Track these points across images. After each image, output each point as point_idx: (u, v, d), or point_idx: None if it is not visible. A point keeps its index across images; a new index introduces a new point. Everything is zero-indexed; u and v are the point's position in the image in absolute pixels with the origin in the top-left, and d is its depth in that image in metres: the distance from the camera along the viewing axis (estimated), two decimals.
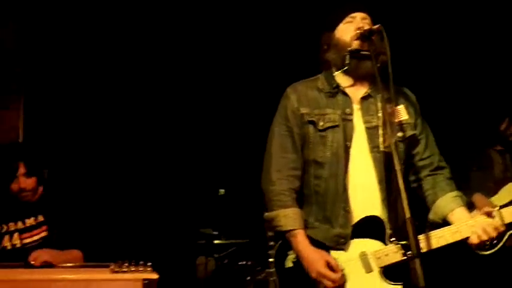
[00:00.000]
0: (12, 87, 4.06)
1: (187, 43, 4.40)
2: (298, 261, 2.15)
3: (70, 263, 2.57)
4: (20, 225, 2.74)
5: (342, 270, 2.10)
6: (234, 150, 4.63)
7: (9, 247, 2.72)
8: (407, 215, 1.86)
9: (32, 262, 2.44)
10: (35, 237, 2.73)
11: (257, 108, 4.48)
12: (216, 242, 4.53)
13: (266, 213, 2.23)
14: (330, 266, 2.09)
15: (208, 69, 4.45)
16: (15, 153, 2.73)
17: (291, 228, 2.15)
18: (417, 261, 1.82)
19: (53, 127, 4.16)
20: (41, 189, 2.82)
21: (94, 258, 2.72)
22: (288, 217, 2.15)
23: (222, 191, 4.72)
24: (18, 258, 2.58)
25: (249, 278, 3.87)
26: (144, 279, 2.31)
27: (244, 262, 4.14)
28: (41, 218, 2.76)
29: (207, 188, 4.65)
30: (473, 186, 3.47)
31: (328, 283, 2.07)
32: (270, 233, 3.58)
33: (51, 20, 4.12)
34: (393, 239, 2.10)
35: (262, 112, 4.35)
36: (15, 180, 2.68)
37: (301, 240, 2.13)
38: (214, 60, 4.43)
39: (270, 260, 3.55)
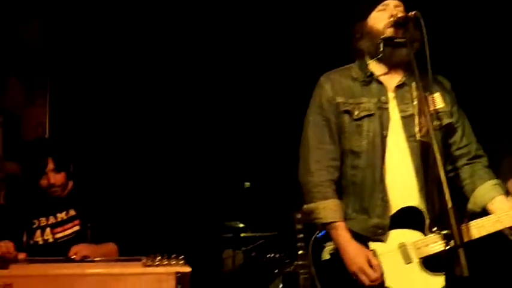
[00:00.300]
0: (37, 84, 4.09)
1: (210, 32, 4.37)
2: (335, 254, 2.11)
3: (107, 256, 2.57)
4: (51, 220, 2.75)
5: (381, 267, 2.07)
6: (259, 143, 4.61)
7: (41, 242, 2.72)
8: (450, 204, 1.82)
9: (73, 257, 2.43)
10: (67, 232, 2.74)
11: (281, 101, 4.46)
12: (243, 235, 4.53)
13: (305, 206, 2.19)
14: (370, 264, 2.05)
15: (235, 61, 4.43)
16: (44, 149, 2.73)
17: (331, 221, 2.12)
18: (461, 251, 1.79)
19: (78, 122, 4.18)
20: (70, 184, 2.82)
21: (125, 252, 2.73)
22: (328, 209, 2.12)
23: (247, 184, 4.71)
24: (51, 253, 2.60)
25: (277, 270, 3.85)
26: (177, 273, 2.31)
27: (272, 255, 4.13)
28: (72, 212, 2.76)
29: (233, 181, 4.64)
30: (503, 172, 3.41)
31: (366, 280, 2.04)
32: (299, 226, 3.58)
33: (75, 16, 4.14)
34: (435, 228, 2.05)
35: (285, 105, 4.37)
36: (44, 176, 2.68)
37: (342, 233, 2.10)
38: (240, 51, 4.41)
39: (299, 252, 3.55)
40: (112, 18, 4.20)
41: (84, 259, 2.45)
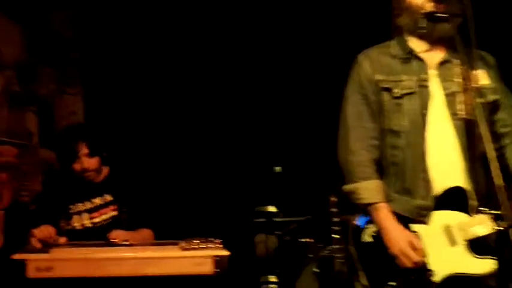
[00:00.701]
0: (70, 73, 4.11)
1: (237, 15, 4.32)
2: (377, 236, 2.07)
3: (144, 241, 2.58)
4: (88, 205, 2.76)
5: (424, 250, 2.01)
6: (289, 126, 4.56)
7: (78, 227, 2.74)
8: (499, 181, 1.75)
9: (113, 240, 2.44)
10: (104, 217, 2.75)
11: (312, 82, 4.40)
12: (276, 220, 4.50)
13: (345, 186, 2.15)
14: (413, 247, 2.00)
15: (266, 40, 4.35)
16: (77, 134, 2.73)
17: (373, 201, 2.07)
18: None
19: (111, 110, 4.18)
20: (106, 169, 2.82)
21: (160, 236, 2.73)
22: (369, 189, 2.07)
23: (278, 168, 4.67)
24: (88, 237, 2.62)
25: (311, 255, 3.82)
26: (215, 256, 2.31)
27: (306, 239, 4.10)
28: (108, 198, 2.77)
29: (264, 166, 4.61)
30: None
31: (408, 263, 1.99)
32: (334, 209, 3.53)
33: (107, 5, 4.12)
34: (482, 209, 1.99)
35: (317, 85, 4.31)
36: (78, 161, 2.68)
37: (384, 214, 2.05)
38: (271, 30, 4.32)
39: (335, 236, 3.51)
40: (144, 7, 4.17)
41: (123, 243, 2.45)
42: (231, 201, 4.44)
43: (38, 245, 2.39)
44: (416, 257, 1.99)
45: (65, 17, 4.11)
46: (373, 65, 2.14)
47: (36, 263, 2.24)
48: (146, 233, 2.70)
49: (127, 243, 2.45)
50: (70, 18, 4.13)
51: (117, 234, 2.50)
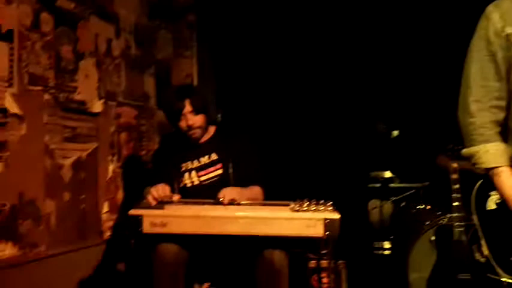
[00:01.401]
0: (186, 36, 4.16)
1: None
2: (503, 203, 1.89)
3: (253, 200, 2.58)
4: (195, 163, 2.80)
5: None
6: (407, 88, 4.34)
7: (188, 184, 2.80)
8: None
9: (221, 199, 2.46)
10: (211, 175, 2.78)
11: (432, 42, 4.13)
12: (391, 185, 4.34)
13: (464, 149, 1.97)
14: None
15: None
16: (182, 93, 2.76)
17: (494, 166, 1.90)
18: None
19: (226, 73, 4.20)
20: (212, 129, 2.85)
21: (270, 196, 2.71)
22: (490, 153, 1.90)
23: (395, 132, 4.49)
24: (197, 194, 2.66)
25: (428, 222, 3.64)
26: (326, 219, 2.25)
27: (423, 206, 3.92)
28: (214, 157, 2.79)
29: (381, 129, 4.44)
30: None
31: None
32: (454, 176, 3.32)
33: None
34: None
35: (437, 46, 4.03)
36: (183, 118, 2.72)
37: (506, 179, 1.87)
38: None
39: (454, 204, 3.31)
40: None
41: (231, 202, 2.46)
42: (345, 165, 4.34)
43: (154, 202, 2.46)
44: None
45: None
46: (504, 17, 1.92)
47: (151, 219, 2.32)
48: (256, 191, 2.69)
49: (235, 202, 2.44)
50: None
51: (225, 193, 2.50)
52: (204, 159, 2.81)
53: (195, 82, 4.10)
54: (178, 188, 2.77)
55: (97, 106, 3.18)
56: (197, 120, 2.74)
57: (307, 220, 2.26)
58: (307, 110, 4.32)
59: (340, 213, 2.27)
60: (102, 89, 3.22)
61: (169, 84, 3.94)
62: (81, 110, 3.03)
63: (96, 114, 3.16)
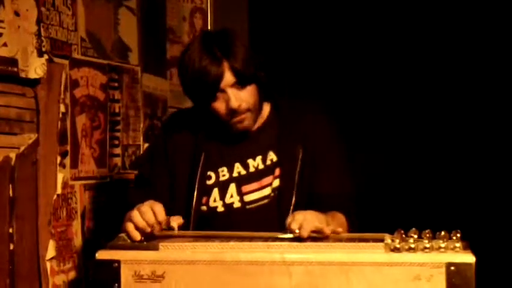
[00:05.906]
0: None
1: None
2: None
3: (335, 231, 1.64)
4: (237, 170, 1.96)
5: None
6: None
7: (220, 208, 1.89)
8: None
9: (296, 231, 1.54)
10: (266, 192, 1.88)
11: None
12: None
13: None
14: None
15: None
16: (213, 47, 1.86)
17: None
18: None
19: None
20: (267, 108, 1.99)
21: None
22: None
23: None
24: (235, 225, 1.83)
25: None
26: (450, 264, 1.51)
27: None
28: (272, 157, 1.88)
29: None
30: None
31: None
32: None
33: None
34: None
35: None
36: (220, 95, 1.85)
37: None
38: None
39: None
40: None
41: (316, 235, 1.57)
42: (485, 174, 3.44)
43: (138, 236, 1.61)
44: None
45: None
46: None
47: (135, 267, 1.56)
48: (340, 221, 1.75)
49: (323, 235, 1.56)
50: None
51: (301, 218, 1.54)
52: (255, 163, 1.85)
53: (211, 23, 3.07)
54: (197, 213, 1.80)
55: (36, 68, 2.18)
56: (246, 97, 1.79)
57: (417, 267, 1.53)
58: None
59: (476, 254, 1.55)
60: (44, 38, 2.17)
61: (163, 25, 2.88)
62: (7, 75, 2.01)
63: (34, 82, 2.12)
